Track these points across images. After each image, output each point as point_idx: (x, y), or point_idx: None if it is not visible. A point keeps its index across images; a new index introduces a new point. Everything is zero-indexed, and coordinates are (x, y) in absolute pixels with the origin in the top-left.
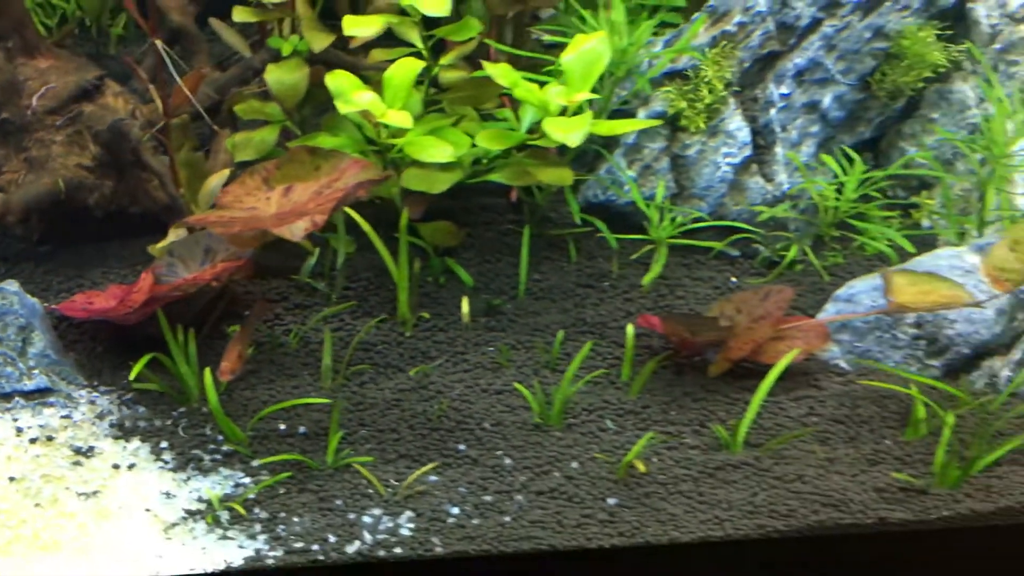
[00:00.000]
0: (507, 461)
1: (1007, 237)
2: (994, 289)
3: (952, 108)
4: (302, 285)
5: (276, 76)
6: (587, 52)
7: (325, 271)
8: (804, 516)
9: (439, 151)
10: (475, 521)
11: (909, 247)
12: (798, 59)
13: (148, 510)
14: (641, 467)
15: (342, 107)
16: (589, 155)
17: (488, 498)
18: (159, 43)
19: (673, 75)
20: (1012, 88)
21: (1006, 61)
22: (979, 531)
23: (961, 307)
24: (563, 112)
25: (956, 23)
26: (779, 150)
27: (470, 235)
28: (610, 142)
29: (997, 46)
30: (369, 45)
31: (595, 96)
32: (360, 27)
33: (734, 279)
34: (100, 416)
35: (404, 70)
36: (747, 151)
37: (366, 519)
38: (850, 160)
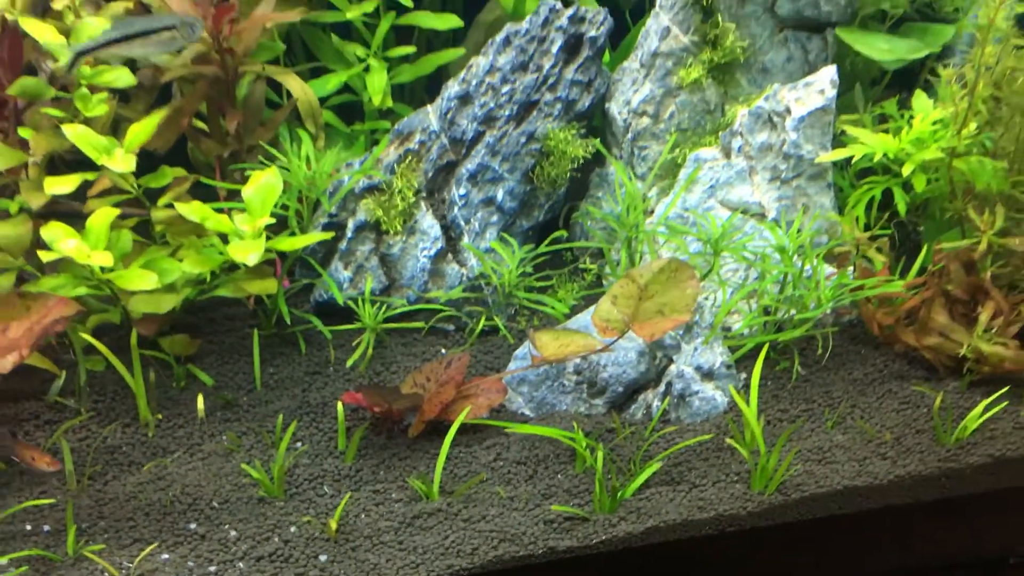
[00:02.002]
0: (232, 533)
1: (609, 292)
2: (602, 336)
3: (610, 187)
4: (52, 404)
5: (2, 232)
6: (263, 185)
7: (77, 389)
8: (485, 553)
9: (144, 280)
10: None
11: (564, 308)
12: (469, 165)
13: None
14: (333, 525)
15: (45, 256)
16: (318, 259)
17: (213, 568)
18: None
19: (372, 189)
20: (644, 167)
21: (638, 147)
22: (636, 551)
23: (593, 352)
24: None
25: (603, 119)
26: (466, 239)
27: (212, 342)
28: (332, 249)
29: (630, 136)
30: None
31: (272, 221)
32: (59, 186)
33: (444, 350)
34: None
35: (102, 218)
36: (440, 244)
37: None
38: (535, 241)
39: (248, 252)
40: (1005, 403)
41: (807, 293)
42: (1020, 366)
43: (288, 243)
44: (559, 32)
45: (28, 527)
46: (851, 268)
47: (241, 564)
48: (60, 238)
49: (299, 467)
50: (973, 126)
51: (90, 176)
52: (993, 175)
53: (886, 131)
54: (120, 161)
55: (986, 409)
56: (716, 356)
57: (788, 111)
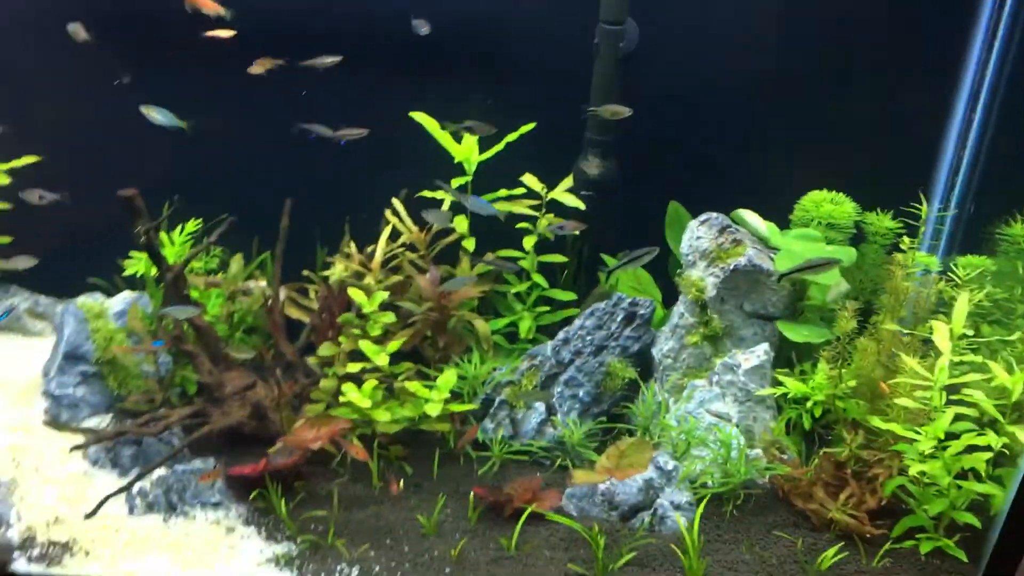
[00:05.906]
0: (406, 548)
1: (606, 454)
2: (601, 476)
3: (644, 395)
4: (331, 470)
5: (324, 386)
6: (446, 376)
7: (345, 465)
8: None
9: (385, 415)
10: None
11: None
12: (565, 376)
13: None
14: (454, 553)
15: (342, 398)
16: (477, 417)
17: (393, 564)
18: (282, 381)
19: (510, 383)
20: (668, 386)
21: (665, 374)
22: None
23: (589, 483)
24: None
25: (650, 355)
26: (559, 416)
27: (413, 451)
28: (485, 413)
29: (661, 367)
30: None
31: (448, 396)
32: (353, 366)
33: (538, 473)
34: (239, 514)
35: (370, 384)
36: (544, 416)
37: None
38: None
39: (435, 409)
40: (846, 552)
41: (736, 468)
42: (859, 531)
43: (458, 407)
44: (621, 311)
45: (312, 526)
46: (766, 457)
47: (407, 564)
48: (351, 391)
49: (446, 521)
50: (852, 382)
51: (364, 364)
52: (859, 410)
53: (803, 380)
54: (382, 358)
55: (836, 554)
56: (683, 496)
57: (740, 365)
